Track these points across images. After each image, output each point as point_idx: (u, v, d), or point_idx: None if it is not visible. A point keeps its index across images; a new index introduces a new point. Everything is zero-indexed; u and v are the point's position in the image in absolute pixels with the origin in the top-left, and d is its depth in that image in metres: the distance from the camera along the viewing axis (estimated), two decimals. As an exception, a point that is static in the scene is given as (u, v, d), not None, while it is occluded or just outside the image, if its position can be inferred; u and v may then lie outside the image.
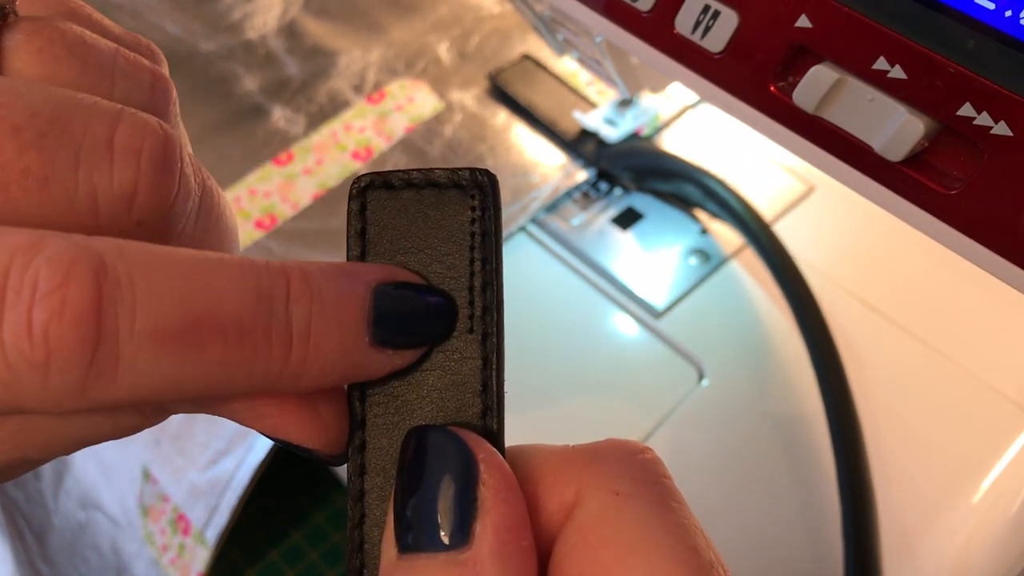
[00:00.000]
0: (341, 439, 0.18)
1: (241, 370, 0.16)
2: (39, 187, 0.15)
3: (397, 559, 0.16)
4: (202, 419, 0.45)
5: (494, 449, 0.17)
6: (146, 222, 0.17)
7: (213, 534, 0.44)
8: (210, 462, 0.44)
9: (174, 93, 0.20)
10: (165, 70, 0.20)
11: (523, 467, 0.18)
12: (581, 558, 0.16)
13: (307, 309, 0.16)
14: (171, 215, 0.17)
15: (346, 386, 0.19)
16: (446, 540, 0.16)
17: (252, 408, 0.18)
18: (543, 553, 0.17)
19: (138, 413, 0.18)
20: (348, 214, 0.19)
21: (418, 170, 0.19)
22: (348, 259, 0.19)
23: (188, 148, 0.18)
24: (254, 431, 0.47)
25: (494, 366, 0.18)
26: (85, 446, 0.18)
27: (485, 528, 0.16)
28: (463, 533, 0.16)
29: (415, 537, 0.16)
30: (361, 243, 0.19)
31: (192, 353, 0.15)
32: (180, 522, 0.45)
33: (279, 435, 0.18)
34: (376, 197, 0.19)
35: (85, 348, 0.14)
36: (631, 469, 0.17)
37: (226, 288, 0.16)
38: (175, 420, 0.46)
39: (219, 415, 0.18)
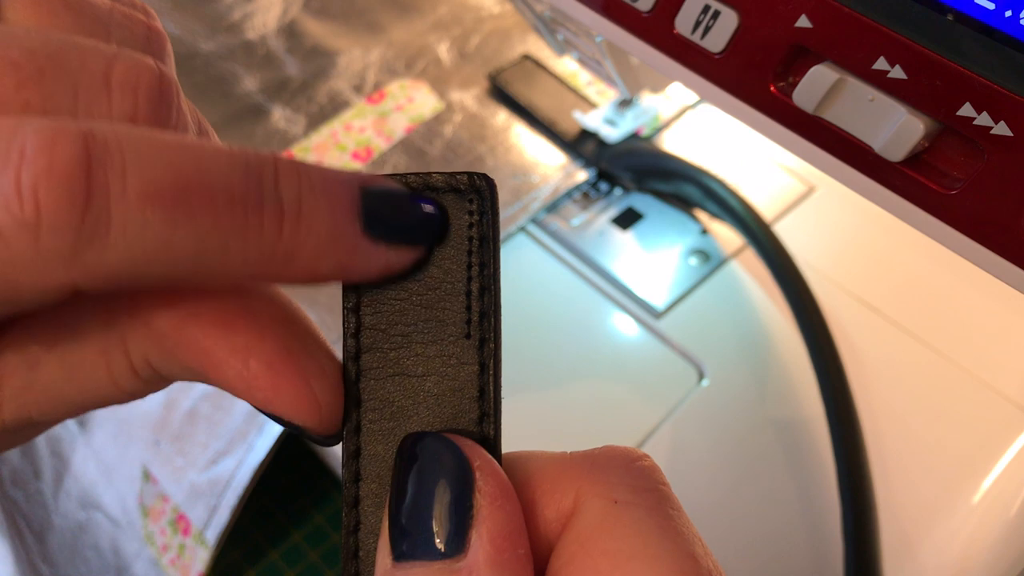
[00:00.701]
0: (334, 418, 0.18)
1: (234, 240, 0.16)
2: None
3: (392, 567, 0.16)
4: (202, 420, 0.45)
5: (490, 456, 0.17)
6: None
7: (213, 534, 0.44)
8: (210, 462, 0.44)
9: (169, 46, 0.20)
10: (159, 25, 0.20)
11: (520, 474, 0.18)
12: (580, 567, 0.16)
13: (296, 187, 0.16)
14: None
15: (342, 371, 0.19)
16: (441, 548, 0.16)
17: (245, 379, 0.17)
18: (540, 561, 0.17)
19: (136, 375, 0.18)
20: None
21: (416, 174, 0.18)
22: None
23: (183, 94, 0.18)
24: (253, 431, 0.47)
25: (491, 371, 0.18)
26: (88, 408, 0.18)
27: (481, 536, 0.16)
28: (459, 541, 0.16)
29: (410, 545, 0.16)
30: None
31: (183, 217, 0.15)
32: (180, 522, 0.45)
33: (271, 409, 0.18)
34: None
35: (75, 207, 0.14)
36: (629, 477, 0.17)
37: (215, 160, 0.16)
38: (175, 420, 0.46)
39: (212, 383, 0.18)
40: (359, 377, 0.18)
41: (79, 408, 0.18)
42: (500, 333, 0.18)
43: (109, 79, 0.16)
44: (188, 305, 0.17)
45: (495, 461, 0.17)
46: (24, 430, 0.18)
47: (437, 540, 0.16)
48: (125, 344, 0.18)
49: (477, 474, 0.16)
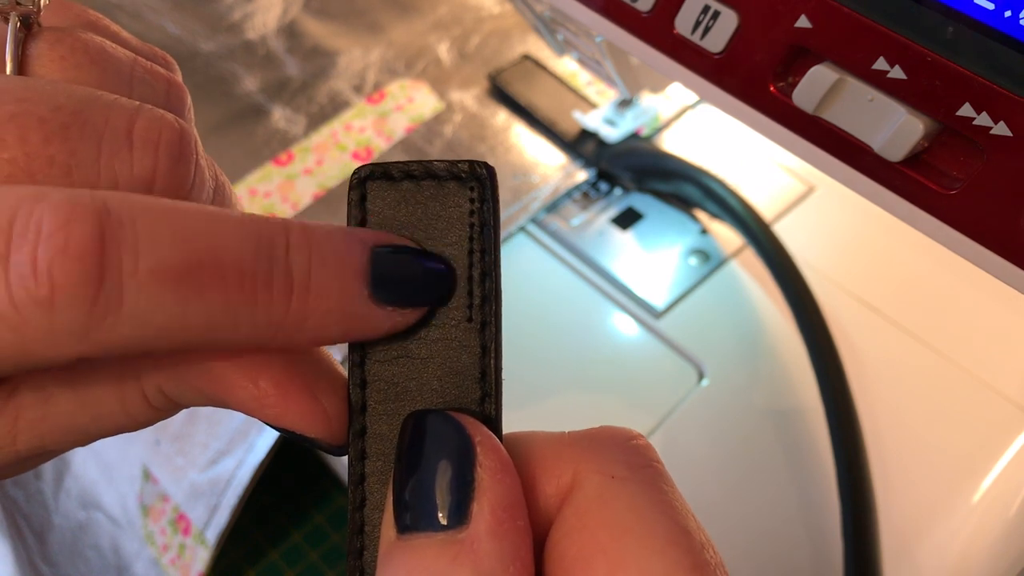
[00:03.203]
0: (343, 428, 0.19)
1: (243, 314, 0.16)
2: (63, 175, 0.16)
3: (396, 539, 0.16)
4: (202, 420, 0.45)
5: (491, 432, 0.17)
6: None
7: (213, 534, 0.44)
8: (210, 462, 0.44)
9: (189, 99, 0.20)
10: (179, 78, 0.20)
11: (521, 452, 0.18)
12: (579, 538, 0.17)
13: (306, 259, 0.17)
14: None
15: (346, 374, 0.19)
16: (444, 520, 0.16)
17: (256, 398, 0.18)
18: (540, 535, 0.17)
19: (149, 405, 0.19)
20: (348, 204, 0.19)
21: (417, 162, 0.19)
22: None
23: (201, 147, 0.19)
24: (253, 431, 0.47)
25: (492, 354, 0.19)
26: (102, 436, 0.19)
27: (482, 508, 0.16)
28: (460, 513, 0.16)
29: (413, 518, 0.16)
30: None
31: (194, 294, 0.15)
32: (180, 522, 0.45)
33: (282, 424, 0.18)
34: (376, 188, 0.19)
35: (89, 285, 0.15)
36: (625, 454, 0.18)
37: (227, 234, 0.16)
38: (175, 420, 0.46)
39: (224, 406, 0.18)
40: (364, 360, 0.19)
41: (92, 437, 0.19)
42: (501, 317, 0.19)
43: (131, 135, 0.17)
44: None
45: (495, 437, 0.17)
46: (37, 458, 0.19)
47: (440, 513, 0.16)
48: (138, 376, 0.18)
49: (478, 449, 0.17)
